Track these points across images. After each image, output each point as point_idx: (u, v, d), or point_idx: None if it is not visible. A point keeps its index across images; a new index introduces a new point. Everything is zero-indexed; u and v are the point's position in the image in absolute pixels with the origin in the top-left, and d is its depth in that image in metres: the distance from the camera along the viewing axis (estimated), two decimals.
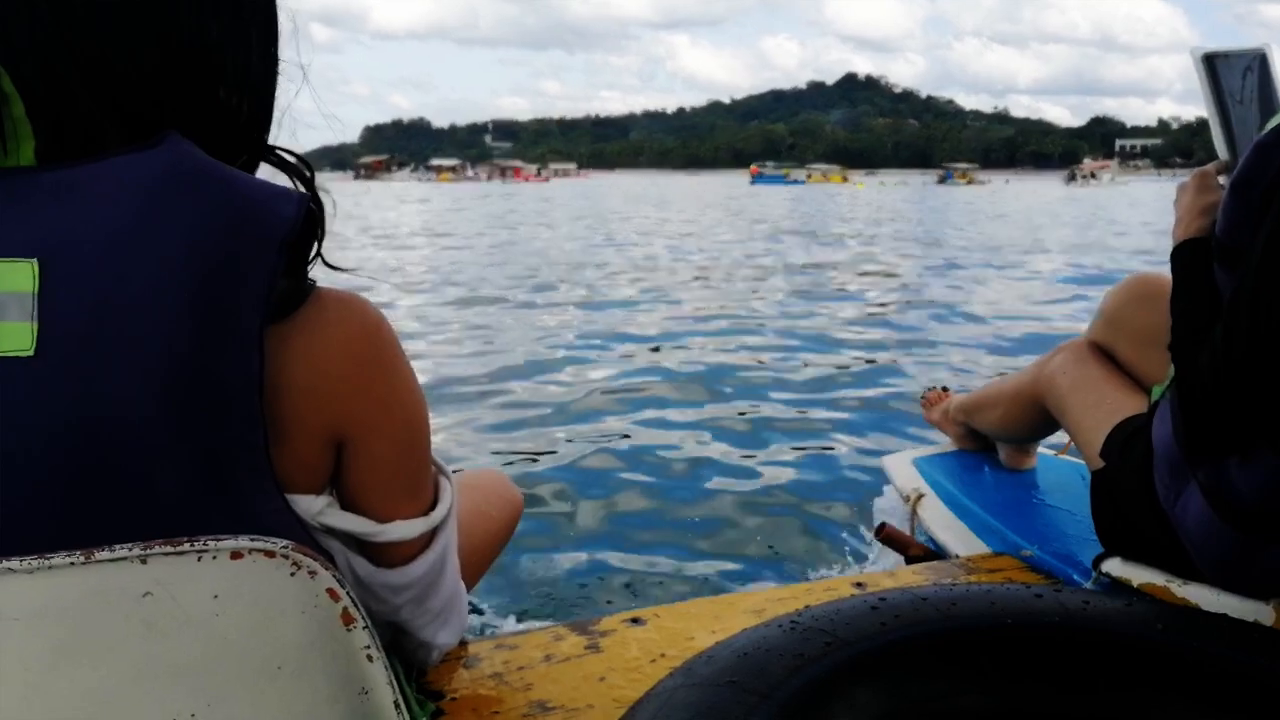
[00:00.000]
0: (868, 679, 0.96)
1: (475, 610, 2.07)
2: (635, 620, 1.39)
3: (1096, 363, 1.66)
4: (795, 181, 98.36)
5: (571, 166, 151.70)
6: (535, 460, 3.73)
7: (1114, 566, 1.39)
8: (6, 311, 0.63)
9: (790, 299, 8.76)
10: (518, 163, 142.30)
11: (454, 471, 0.94)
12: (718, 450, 3.88)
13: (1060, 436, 1.89)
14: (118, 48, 0.69)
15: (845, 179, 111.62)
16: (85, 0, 0.68)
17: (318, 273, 0.78)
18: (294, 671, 0.70)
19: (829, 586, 1.54)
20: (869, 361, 5.84)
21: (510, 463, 3.68)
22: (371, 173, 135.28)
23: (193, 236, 0.65)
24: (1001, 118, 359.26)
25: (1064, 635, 1.03)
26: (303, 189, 0.78)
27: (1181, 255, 1.31)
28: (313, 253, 0.75)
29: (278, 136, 0.82)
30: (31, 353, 0.63)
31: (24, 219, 0.65)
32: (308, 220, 0.72)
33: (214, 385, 0.65)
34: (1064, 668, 1.01)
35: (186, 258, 0.65)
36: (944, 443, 2.34)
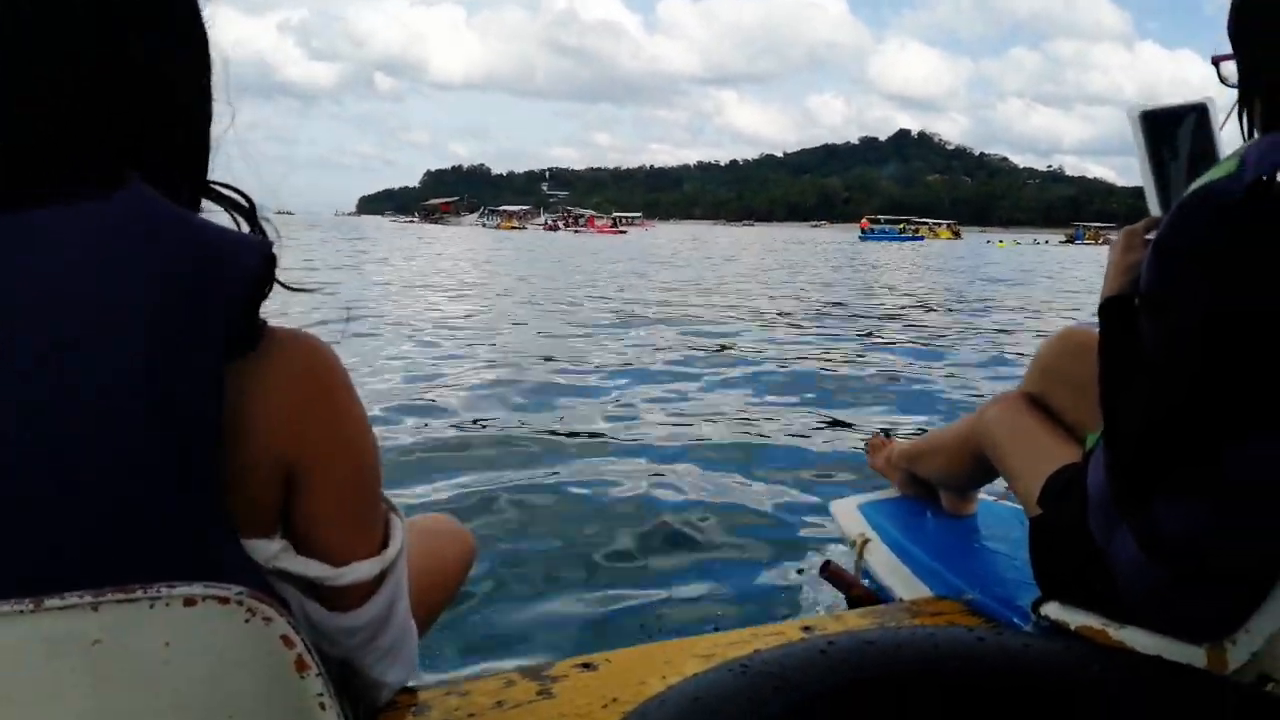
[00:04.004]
0: None
1: (426, 656, 2.05)
2: (587, 665, 1.38)
3: (1031, 413, 1.70)
4: (915, 238, 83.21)
5: (638, 215, 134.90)
6: (485, 505, 3.70)
7: (1052, 610, 1.43)
8: None
9: None
10: (590, 211, 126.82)
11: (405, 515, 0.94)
12: (665, 494, 3.89)
13: (1000, 483, 1.94)
14: (64, 91, 0.70)
15: (958, 235, 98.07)
16: (31, 46, 0.69)
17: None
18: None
19: (777, 631, 1.56)
20: (824, 406, 5.91)
21: (460, 507, 3.65)
22: (440, 215, 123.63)
23: (152, 284, 0.66)
24: (1056, 176, 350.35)
25: (1005, 678, 1.05)
26: (244, 222, 0.79)
27: (1107, 311, 1.37)
28: (267, 290, 0.76)
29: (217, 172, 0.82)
30: None
31: None
32: (266, 265, 0.72)
33: (171, 431, 0.65)
34: (1005, 709, 1.03)
35: (145, 305, 0.65)
36: (889, 488, 2.38)
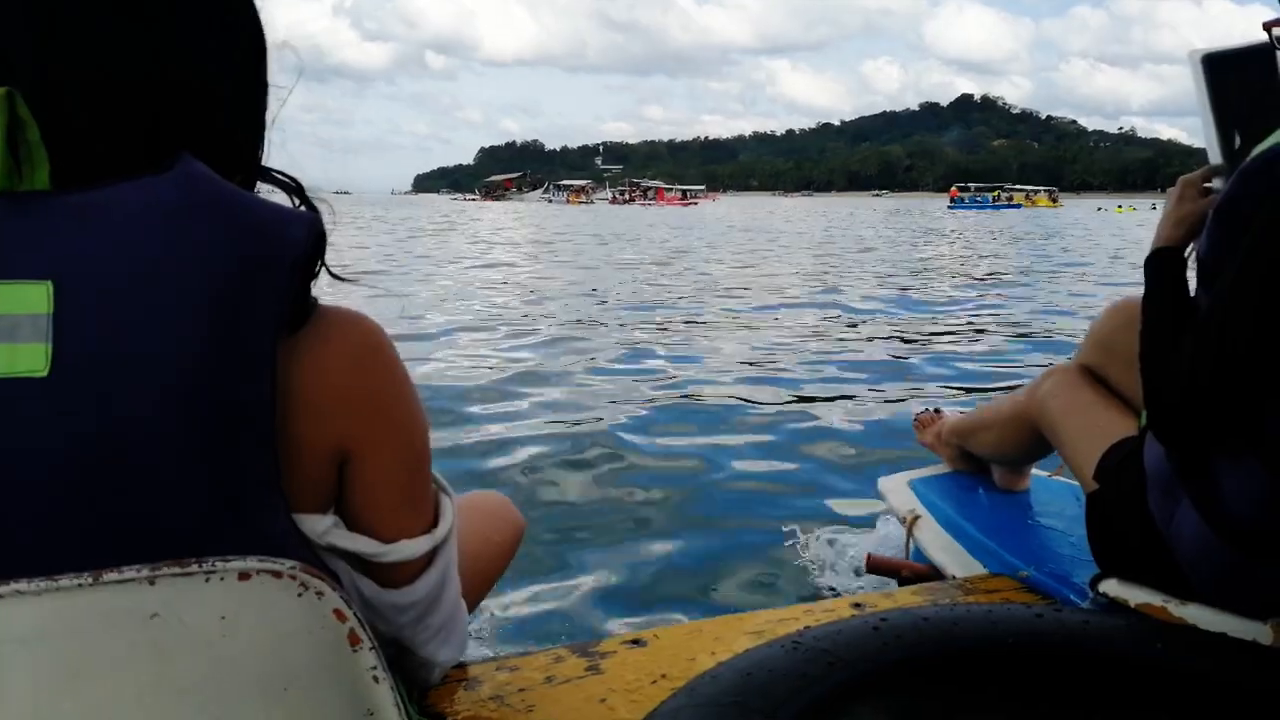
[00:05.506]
0: (870, 699, 0.96)
1: (476, 633, 2.07)
2: (636, 642, 1.39)
3: (1088, 386, 1.67)
4: (1011, 206, 75.14)
5: (701, 188, 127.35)
6: (535, 482, 3.73)
7: (1111, 587, 1.40)
8: (21, 332, 0.63)
9: None
10: (658, 183, 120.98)
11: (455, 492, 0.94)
12: (712, 473, 3.88)
13: (1054, 457, 1.90)
14: (114, 72, 0.70)
15: (1056, 201, 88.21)
16: (82, 27, 0.69)
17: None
18: (300, 693, 0.70)
19: (828, 608, 1.54)
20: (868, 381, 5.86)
21: (510, 483, 3.68)
22: (503, 192, 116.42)
23: (205, 260, 0.66)
24: (1129, 139, 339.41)
25: (1065, 655, 1.03)
26: (300, 204, 0.80)
27: (1152, 264, 1.34)
28: (317, 269, 0.76)
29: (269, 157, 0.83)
30: (46, 373, 0.63)
31: (39, 242, 0.65)
32: (315, 240, 0.73)
33: (226, 407, 0.66)
34: (1065, 687, 1.01)
35: (199, 281, 0.66)
36: (939, 464, 2.35)
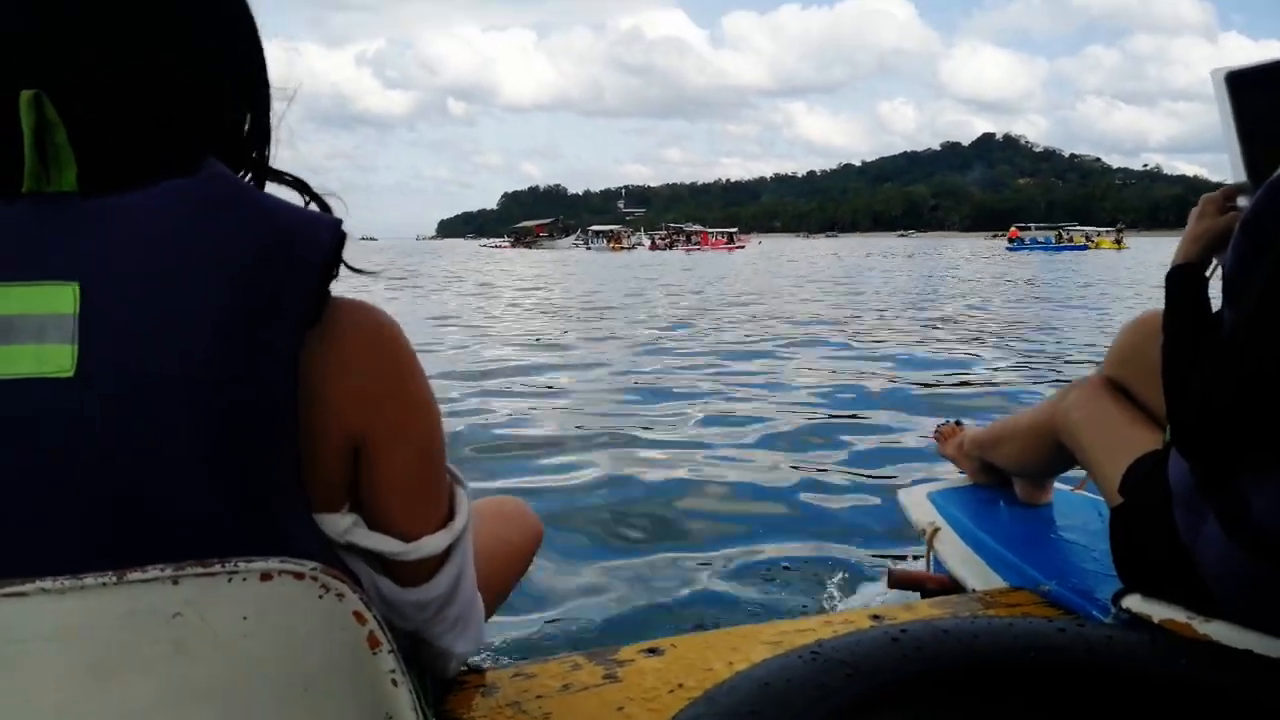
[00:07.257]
0: (889, 711, 0.95)
1: (492, 638, 2.06)
2: (653, 650, 1.38)
3: (1112, 399, 1.66)
4: (1075, 248, 67.10)
5: (734, 230, 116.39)
6: (555, 489, 3.73)
7: (1134, 602, 1.38)
8: (47, 333, 0.64)
9: None
10: (697, 226, 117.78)
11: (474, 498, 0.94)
12: (732, 483, 3.87)
13: (1076, 471, 1.88)
14: (115, 72, 0.71)
15: (1120, 244, 74.43)
16: (80, 27, 0.70)
17: None
18: (320, 694, 0.70)
19: (847, 619, 1.53)
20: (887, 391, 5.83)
21: (528, 491, 3.68)
22: (534, 238, 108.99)
23: (231, 263, 0.67)
24: (1154, 175, 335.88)
25: (1087, 670, 1.02)
26: (309, 201, 0.80)
27: (1171, 281, 1.33)
28: (337, 270, 0.76)
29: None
30: (72, 374, 0.63)
31: (66, 243, 0.66)
32: (338, 243, 0.73)
33: (249, 408, 0.66)
34: (1088, 702, 1.00)
35: (224, 284, 0.66)
36: (959, 476, 2.33)
